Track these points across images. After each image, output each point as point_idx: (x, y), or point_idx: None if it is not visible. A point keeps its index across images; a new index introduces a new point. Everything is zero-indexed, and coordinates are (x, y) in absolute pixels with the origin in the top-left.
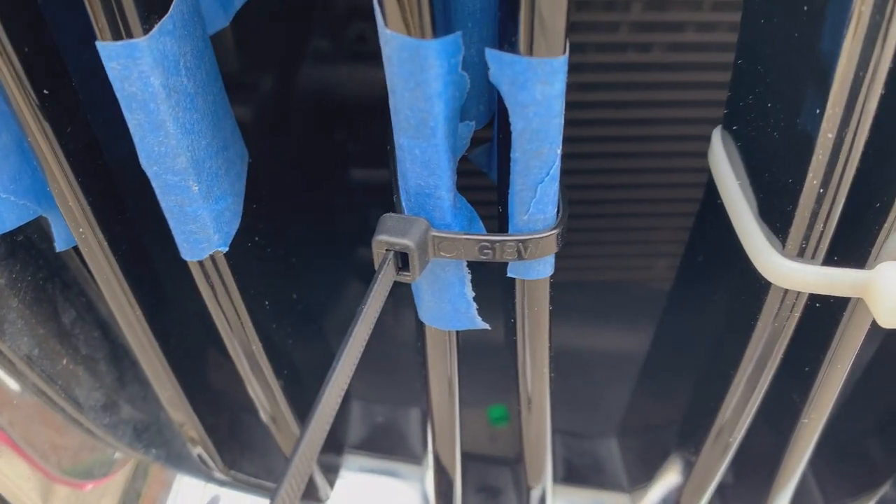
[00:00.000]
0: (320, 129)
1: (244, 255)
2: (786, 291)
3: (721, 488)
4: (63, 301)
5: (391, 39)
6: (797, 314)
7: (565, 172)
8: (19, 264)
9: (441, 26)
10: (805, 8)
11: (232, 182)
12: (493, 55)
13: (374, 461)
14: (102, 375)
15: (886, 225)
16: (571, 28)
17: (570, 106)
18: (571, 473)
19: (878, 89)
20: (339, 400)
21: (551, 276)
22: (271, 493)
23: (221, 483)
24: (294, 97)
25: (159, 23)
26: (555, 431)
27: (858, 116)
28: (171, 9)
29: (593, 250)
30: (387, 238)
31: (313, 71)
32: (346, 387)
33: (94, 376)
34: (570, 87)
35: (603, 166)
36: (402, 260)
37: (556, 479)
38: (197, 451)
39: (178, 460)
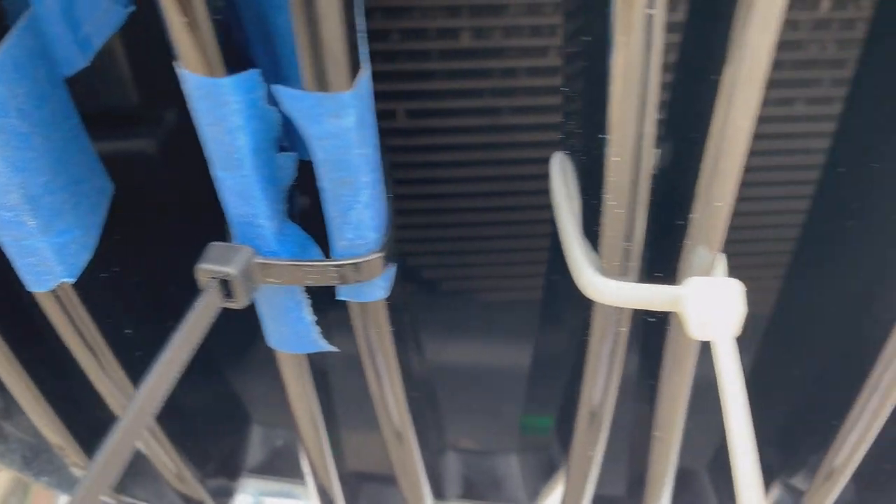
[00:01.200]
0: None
1: (101, 285)
2: (611, 308)
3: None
4: None
5: (186, 78)
6: (624, 329)
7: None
8: None
9: (242, 63)
10: (590, 38)
11: (81, 216)
12: (280, 91)
13: (271, 484)
14: None
15: (688, 241)
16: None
17: None
18: (470, 489)
19: (652, 111)
20: (143, 423)
21: (388, 300)
22: None
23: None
24: (169, 134)
25: None
26: (453, 449)
27: (637, 139)
28: (5, 42)
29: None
30: (209, 266)
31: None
32: (153, 410)
33: None
34: None
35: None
36: (226, 285)
37: (451, 496)
38: (81, 474)
39: (69, 485)
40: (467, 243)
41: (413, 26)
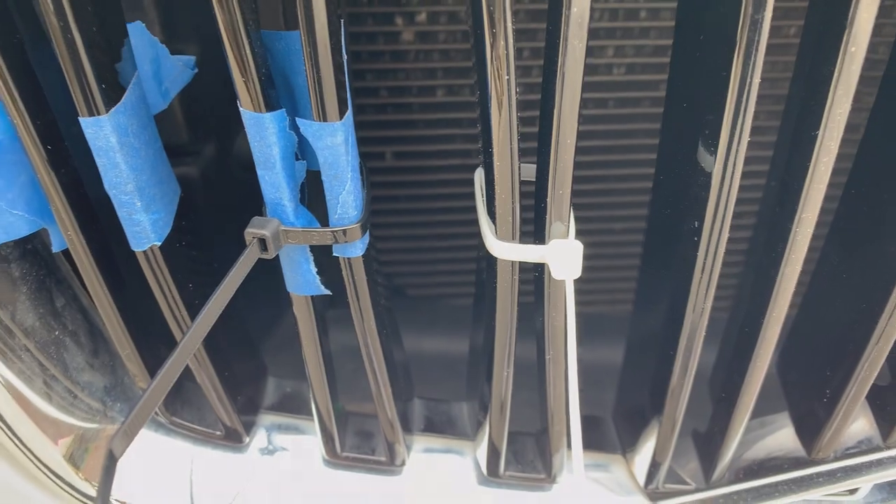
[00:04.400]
0: (233, 174)
1: (174, 251)
2: (507, 262)
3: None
4: (56, 291)
5: (244, 113)
6: (516, 277)
7: None
8: (28, 263)
9: (276, 103)
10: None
11: (165, 204)
12: (300, 122)
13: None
14: (83, 346)
15: (548, 217)
16: None
17: None
18: (431, 426)
19: (515, 130)
20: (192, 351)
21: (364, 256)
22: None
23: (163, 426)
24: (216, 154)
25: (114, 107)
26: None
27: (510, 149)
28: (122, 101)
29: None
30: (252, 230)
31: (233, 136)
32: (199, 343)
33: (78, 346)
34: None
35: None
36: (263, 243)
37: (416, 431)
38: None
39: None
40: (444, 263)
41: (397, 84)
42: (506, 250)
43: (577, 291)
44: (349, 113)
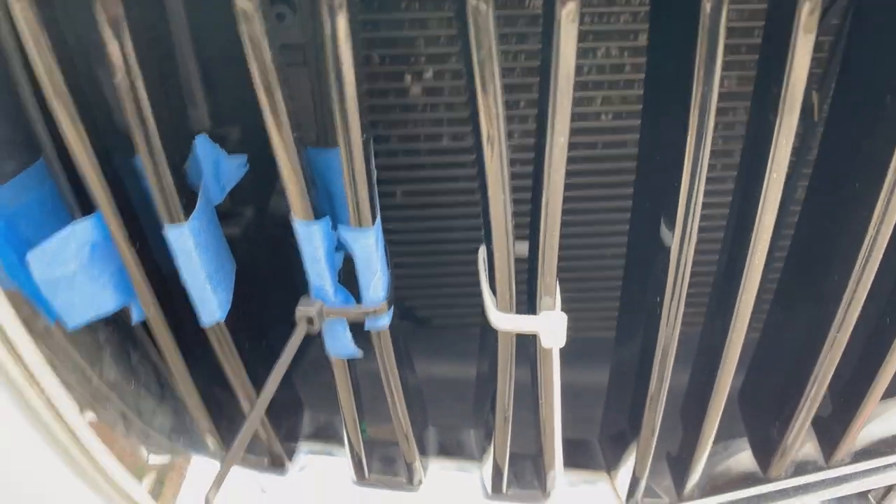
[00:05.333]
0: (277, 251)
1: (233, 322)
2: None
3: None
4: (132, 350)
5: (296, 222)
6: (514, 340)
7: None
8: (110, 330)
9: (321, 211)
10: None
11: (227, 284)
12: (340, 228)
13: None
14: (153, 394)
15: (538, 294)
16: None
17: None
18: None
19: (510, 217)
20: (264, 409)
21: (391, 329)
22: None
23: (221, 458)
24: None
25: (190, 216)
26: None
27: (506, 231)
28: (196, 207)
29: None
30: (302, 309)
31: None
32: (268, 402)
33: (149, 394)
34: None
35: None
36: (310, 320)
37: (431, 454)
38: (207, 438)
39: (197, 446)
40: (449, 287)
41: (406, 133)
42: (504, 320)
43: (576, 320)
44: (378, 219)
